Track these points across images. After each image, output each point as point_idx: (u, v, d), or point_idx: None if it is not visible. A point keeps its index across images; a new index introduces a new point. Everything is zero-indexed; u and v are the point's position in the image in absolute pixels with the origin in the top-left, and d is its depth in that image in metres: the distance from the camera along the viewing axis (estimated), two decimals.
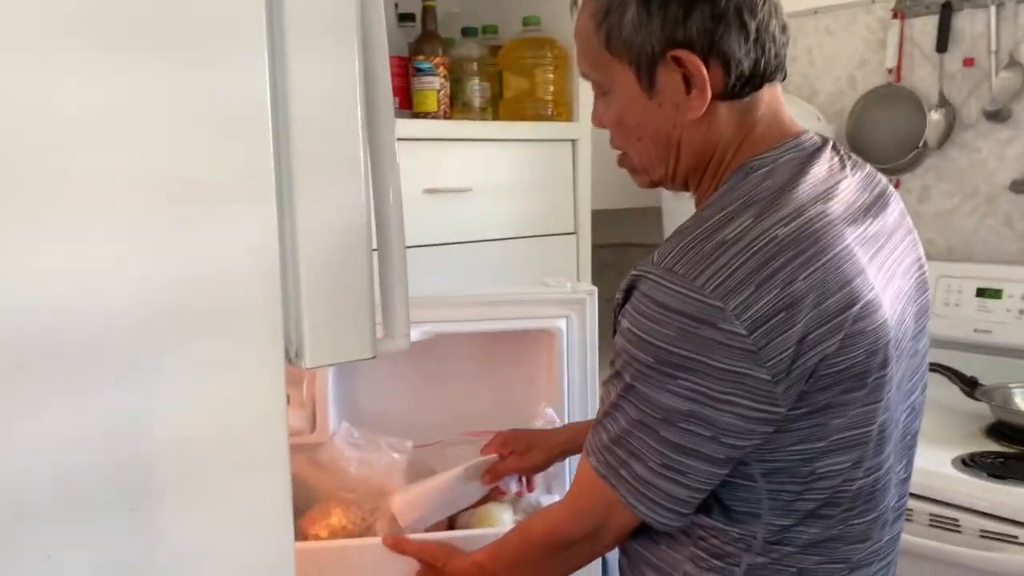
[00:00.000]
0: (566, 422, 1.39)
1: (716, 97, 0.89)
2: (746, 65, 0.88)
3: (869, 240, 0.89)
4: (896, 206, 0.98)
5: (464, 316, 1.34)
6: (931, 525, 1.47)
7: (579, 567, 1.00)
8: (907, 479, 0.99)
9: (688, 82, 0.88)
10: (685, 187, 0.98)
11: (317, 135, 0.71)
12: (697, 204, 0.97)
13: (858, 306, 0.83)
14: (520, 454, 1.28)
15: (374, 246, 0.78)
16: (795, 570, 0.90)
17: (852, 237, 0.87)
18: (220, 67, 0.64)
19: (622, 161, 1.01)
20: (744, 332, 0.80)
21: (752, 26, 0.88)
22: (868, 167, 0.99)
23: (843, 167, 0.94)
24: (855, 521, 0.90)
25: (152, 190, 0.62)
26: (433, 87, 1.75)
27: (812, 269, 0.82)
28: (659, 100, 0.90)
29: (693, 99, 0.89)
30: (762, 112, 0.92)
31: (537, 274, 1.86)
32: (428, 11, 1.77)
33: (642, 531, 0.95)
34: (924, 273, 1.00)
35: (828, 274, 0.83)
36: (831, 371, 0.83)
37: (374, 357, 0.75)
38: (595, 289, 1.42)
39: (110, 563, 0.61)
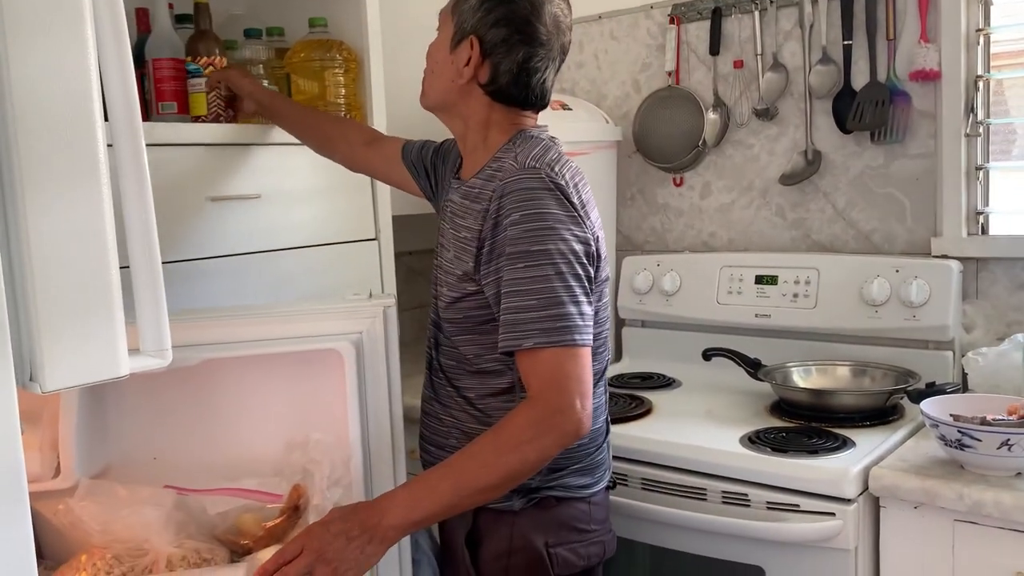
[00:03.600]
0: (360, 453, 1.28)
1: (477, 83, 1.31)
2: (502, 82, 1.31)
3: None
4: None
5: (234, 336, 1.20)
6: (724, 502, 1.55)
7: (565, 440, 1.17)
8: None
9: (468, 60, 1.30)
10: (438, 113, 1.40)
11: (45, 135, 0.65)
12: (469, 155, 1.39)
13: (599, 221, 1.35)
14: None
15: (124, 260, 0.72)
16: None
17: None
18: None
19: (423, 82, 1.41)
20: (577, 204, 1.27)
21: (523, 67, 1.29)
22: None
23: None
24: (605, 359, 1.39)
25: None
26: (202, 89, 1.66)
27: (586, 191, 1.32)
28: (452, 57, 1.32)
29: (463, 70, 1.31)
30: (495, 117, 1.34)
31: (339, 283, 1.80)
32: (200, 9, 1.69)
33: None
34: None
35: (588, 198, 1.33)
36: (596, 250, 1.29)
37: (126, 376, 0.69)
38: (393, 300, 1.33)
39: None
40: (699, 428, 1.72)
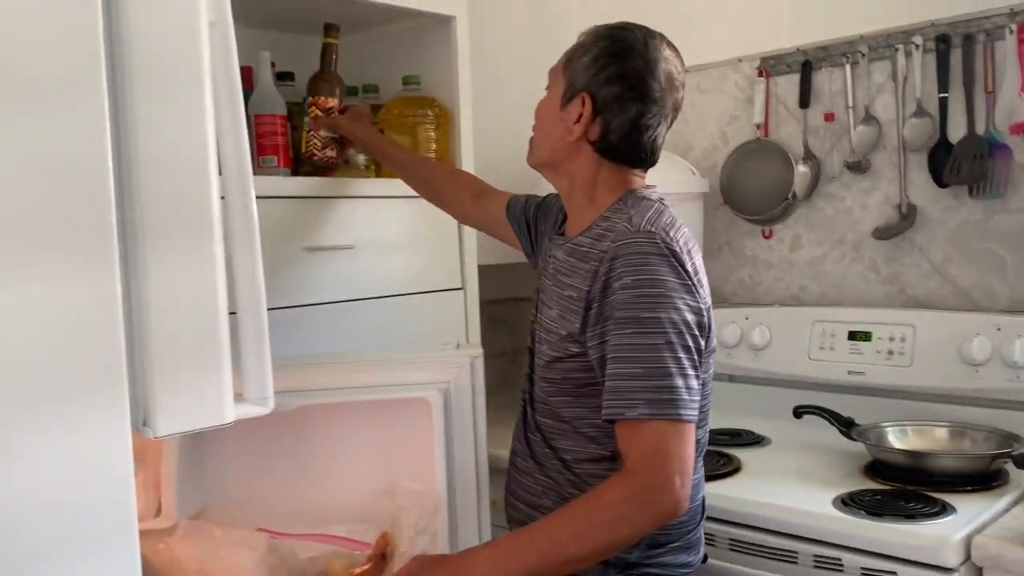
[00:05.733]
0: (445, 503, 1.30)
1: (587, 141, 1.31)
2: (613, 140, 1.29)
3: None
4: None
5: (327, 384, 1.23)
6: (815, 566, 1.49)
7: (662, 517, 1.12)
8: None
9: (579, 117, 1.29)
10: (544, 171, 1.39)
11: (167, 195, 0.68)
12: (573, 214, 1.38)
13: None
14: None
15: (232, 307, 0.75)
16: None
17: None
18: (52, 111, 0.61)
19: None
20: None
21: (635, 124, 1.28)
22: None
23: None
24: (705, 432, 1.35)
25: None
26: (309, 128, 1.74)
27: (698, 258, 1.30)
28: (562, 114, 1.32)
29: (573, 127, 1.30)
30: (603, 176, 1.32)
31: (426, 331, 1.83)
32: (326, 49, 1.74)
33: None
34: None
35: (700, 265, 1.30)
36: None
37: (232, 423, 0.72)
38: (480, 351, 1.35)
39: None
40: (790, 488, 1.67)
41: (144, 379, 0.67)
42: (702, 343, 1.21)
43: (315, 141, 1.74)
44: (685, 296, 1.19)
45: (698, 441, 1.26)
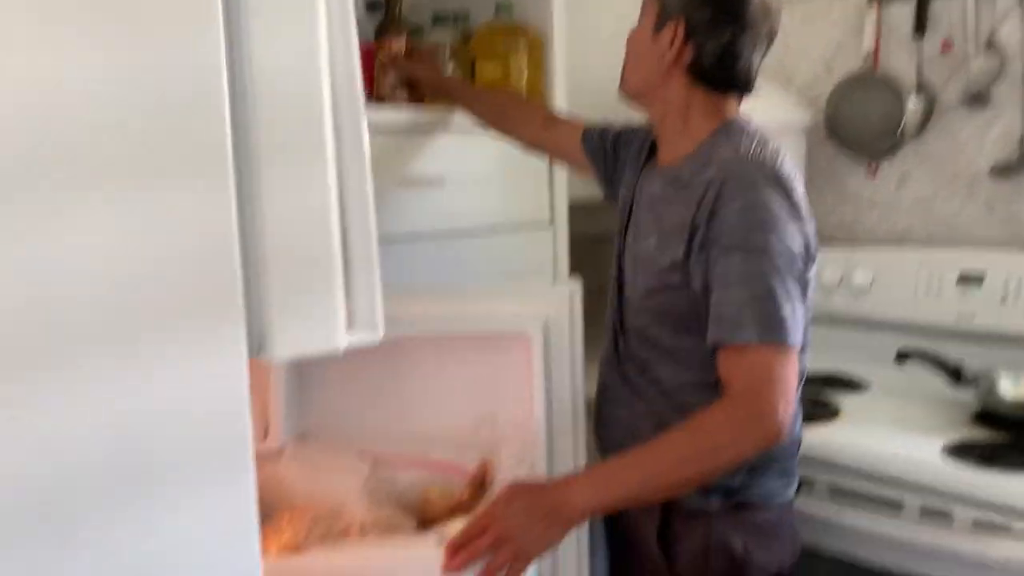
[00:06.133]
0: (544, 433, 1.29)
1: (680, 67, 1.27)
2: (706, 64, 1.26)
3: None
4: None
5: (428, 317, 1.24)
6: (922, 517, 1.44)
7: (764, 443, 1.11)
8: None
9: (672, 41, 1.26)
10: (636, 103, 1.37)
11: (281, 117, 0.66)
12: (666, 142, 1.35)
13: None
14: None
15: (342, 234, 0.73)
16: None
17: None
18: (168, 37, 0.59)
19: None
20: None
21: (728, 49, 1.25)
22: None
23: None
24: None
25: (96, 169, 0.56)
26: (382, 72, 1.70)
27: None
28: (655, 40, 1.28)
29: (666, 53, 1.27)
30: (697, 102, 1.29)
31: (514, 268, 1.81)
32: None
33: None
34: None
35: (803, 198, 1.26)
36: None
37: (344, 349, 0.70)
38: (579, 285, 1.33)
39: None
40: (892, 436, 1.61)
41: (259, 304, 0.66)
42: (808, 272, 1.20)
43: (385, 84, 1.71)
44: (792, 224, 1.16)
45: (800, 371, 1.24)
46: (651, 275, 1.27)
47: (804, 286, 1.19)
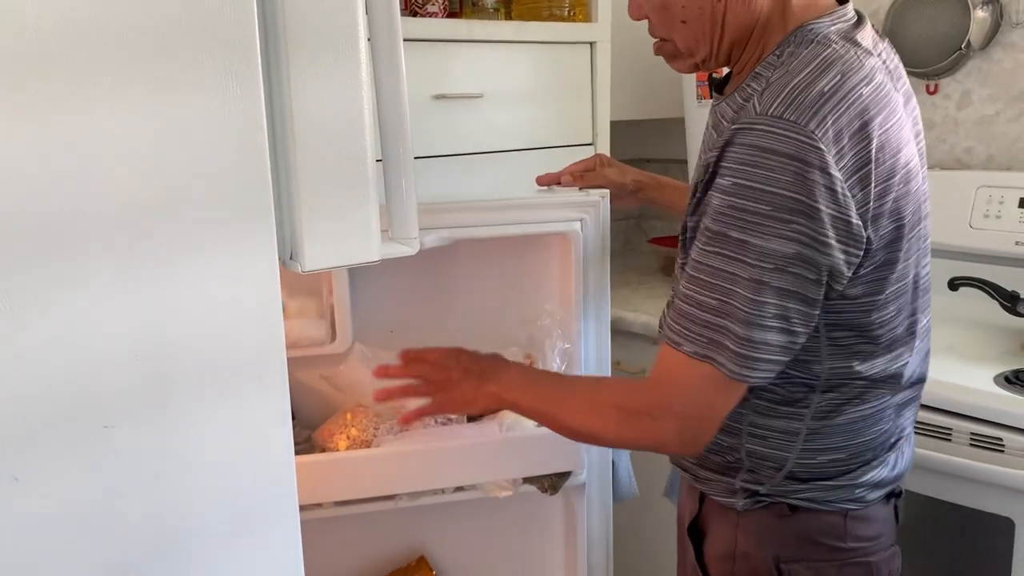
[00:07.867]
0: (579, 327, 1.37)
1: None
2: None
3: (904, 107, 0.98)
4: (904, 75, 1.05)
5: (477, 221, 1.28)
6: (972, 445, 1.40)
7: (642, 443, 1.02)
8: (929, 327, 1.11)
9: None
10: (727, 62, 1.03)
11: (310, 19, 0.62)
12: (738, 72, 1.03)
13: (906, 169, 0.94)
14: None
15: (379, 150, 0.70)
16: (858, 399, 1.01)
17: (899, 104, 0.96)
18: None
19: (661, 48, 1.06)
20: (842, 178, 0.88)
21: None
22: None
23: (880, 38, 1.02)
24: (901, 360, 1.02)
25: (124, 57, 0.53)
26: None
27: (884, 129, 0.91)
28: None
29: None
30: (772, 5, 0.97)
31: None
32: None
33: None
34: (923, 144, 1.06)
35: (891, 137, 0.92)
36: (891, 227, 0.94)
37: (378, 261, 0.67)
38: (607, 192, 1.37)
39: (85, 486, 0.54)
40: (943, 363, 1.56)
41: (291, 211, 0.63)
42: (819, 284, 0.90)
43: None
44: (802, 221, 0.86)
45: (881, 371, 1.01)
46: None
47: (810, 305, 0.91)
